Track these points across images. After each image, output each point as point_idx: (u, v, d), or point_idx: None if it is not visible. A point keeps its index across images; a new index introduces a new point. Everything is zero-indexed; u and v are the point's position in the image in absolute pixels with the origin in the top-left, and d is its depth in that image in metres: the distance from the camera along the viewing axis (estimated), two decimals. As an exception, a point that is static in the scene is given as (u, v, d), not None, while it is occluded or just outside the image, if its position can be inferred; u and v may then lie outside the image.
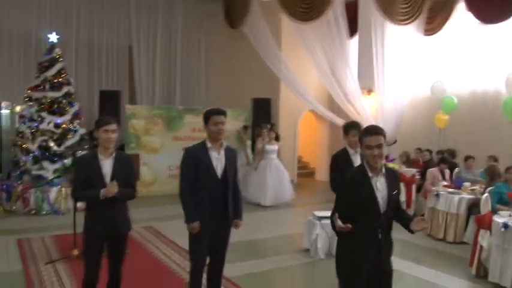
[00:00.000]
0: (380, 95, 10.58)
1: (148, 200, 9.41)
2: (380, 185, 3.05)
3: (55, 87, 8.94)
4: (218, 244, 4.00)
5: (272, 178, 9.75)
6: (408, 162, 9.33)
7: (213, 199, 3.85)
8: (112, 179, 3.63)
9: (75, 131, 9.10)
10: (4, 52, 10.82)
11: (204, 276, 4.00)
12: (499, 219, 5.08)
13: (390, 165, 9.26)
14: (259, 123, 11.28)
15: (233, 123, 11.55)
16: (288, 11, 10.46)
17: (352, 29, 11.34)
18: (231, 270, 5.23)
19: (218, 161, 3.87)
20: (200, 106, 12.12)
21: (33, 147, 8.58)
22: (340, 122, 11.40)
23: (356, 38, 11.55)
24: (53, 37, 9.18)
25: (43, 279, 5.09)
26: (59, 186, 8.49)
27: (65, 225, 6.98)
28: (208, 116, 3.88)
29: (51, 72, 8.96)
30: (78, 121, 9.28)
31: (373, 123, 10.51)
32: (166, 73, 12.84)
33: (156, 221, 7.90)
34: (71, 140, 8.95)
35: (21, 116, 8.96)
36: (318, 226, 6.07)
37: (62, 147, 8.79)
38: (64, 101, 9.04)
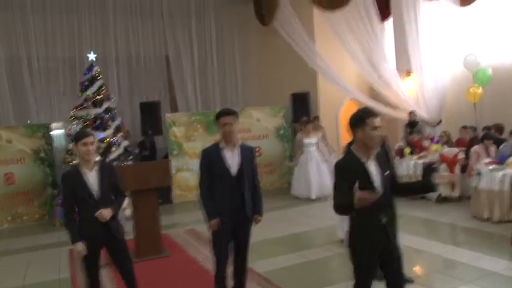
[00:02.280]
0: (419, 75, 10.21)
1: (193, 204, 9.61)
2: (374, 169, 3.03)
3: (96, 104, 9.37)
4: (239, 239, 4.11)
5: (314, 170, 9.72)
6: (449, 142, 8.94)
7: (229, 197, 3.97)
8: (101, 189, 3.80)
9: (119, 144, 9.50)
10: (53, 76, 11.49)
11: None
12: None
13: (434, 146, 8.96)
14: (299, 119, 11.27)
15: (273, 120, 11.61)
16: (314, 0, 10.34)
17: (386, 12, 11.05)
18: (262, 265, 5.31)
19: (232, 159, 3.97)
20: (239, 107, 12.28)
21: (81, 162, 9.05)
22: (380, 108, 11.16)
23: (391, 20, 11.24)
24: (91, 56, 9.64)
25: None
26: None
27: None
28: (217, 118, 4.00)
29: (92, 90, 9.39)
30: (121, 134, 9.69)
31: (414, 106, 10.21)
32: (204, 78, 13.07)
33: (198, 224, 8.08)
34: (116, 153, 9.33)
35: (69, 135, 9.47)
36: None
37: (107, 160, 9.21)
38: (106, 116, 9.46)
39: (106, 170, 3.92)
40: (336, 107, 12.83)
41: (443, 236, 6.44)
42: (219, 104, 12.86)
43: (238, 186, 3.96)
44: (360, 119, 3.06)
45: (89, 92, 9.39)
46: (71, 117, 9.39)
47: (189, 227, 7.88)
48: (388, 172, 3.09)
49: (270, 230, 7.18)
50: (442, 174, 3.14)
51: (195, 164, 10.77)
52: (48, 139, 9.87)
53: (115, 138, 9.48)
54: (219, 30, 13.21)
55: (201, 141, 10.99)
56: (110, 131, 9.43)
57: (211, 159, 3.98)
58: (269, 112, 11.59)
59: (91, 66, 9.59)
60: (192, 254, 6.41)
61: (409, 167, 8.74)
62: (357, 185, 2.81)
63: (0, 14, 10.84)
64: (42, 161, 9.60)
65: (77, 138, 3.83)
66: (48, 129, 9.96)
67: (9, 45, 11.00)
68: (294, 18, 11.32)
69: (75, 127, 9.27)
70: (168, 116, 10.94)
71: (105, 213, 3.76)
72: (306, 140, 9.83)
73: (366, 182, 2.95)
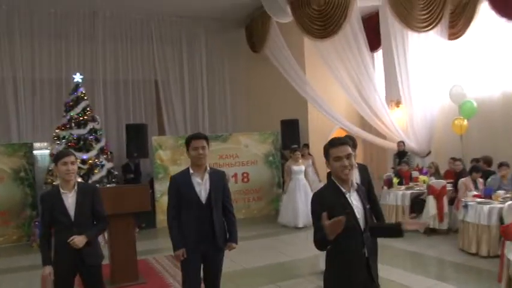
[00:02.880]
0: (408, 106, 10.21)
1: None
2: (355, 200, 2.85)
3: (80, 124, 9.22)
4: (209, 270, 3.92)
5: (302, 198, 9.54)
6: (437, 173, 8.86)
7: (198, 225, 3.79)
8: (78, 212, 3.64)
9: (102, 166, 9.30)
10: (39, 96, 11.36)
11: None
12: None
13: (422, 178, 8.86)
14: (288, 145, 11.18)
15: (262, 147, 11.48)
16: (304, 29, 10.38)
17: (376, 42, 11.13)
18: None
19: (201, 186, 3.81)
20: (227, 132, 12.17)
21: (62, 183, 8.83)
22: (369, 137, 11.11)
23: (381, 51, 11.32)
24: (77, 77, 9.51)
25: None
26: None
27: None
28: (188, 141, 3.88)
29: (76, 111, 9.24)
30: (105, 156, 9.50)
31: (403, 136, 10.16)
32: (194, 103, 13.01)
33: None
34: (98, 175, 9.12)
35: (52, 155, 9.27)
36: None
37: (90, 182, 8.99)
38: (90, 137, 9.29)
39: (86, 193, 3.75)
40: (326, 134, 12.69)
41: (429, 271, 6.25)
42: (207, 129, 12.76)
43: (208, 214, 3.79)
44: (325, 150, 2.91)
45: (73, 112, 9.24)
46: (54, 137, 9.21)
47: (169, 252, 7.60)
48: (368, 206, 2.93)
49: (251, 258, 7.00)
50: (411, 221, 2.99)
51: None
52: (30, 158, 9.62)
53: (98, 160, 9.30)
54: (209, 56, 13.19)
55: (187, 165, 10.81)
56: (93, 152, 9.24)
57: (180, 186, 3.82)
58: (258, 138, 11.47)
59: (76, 87, 9.46)
60: (169, 281, 6.18)
61: (397, 198, 8.60)
62: (324, 214, 2.61)
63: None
64: (21, 181, 9.34)
65: (57, 157, 3.69)
66: (30, 148, 9.73)
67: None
68: (283, 47, 11.38)
69: (58, 147, 9.09)
70: (154, 139, 10.77)
71: (78, 240, 3.57)
72: (295, 167, 9.69)
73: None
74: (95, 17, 11.73)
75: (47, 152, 10.31)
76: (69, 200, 3.64)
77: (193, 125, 12.89)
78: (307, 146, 11.65)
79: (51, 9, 11.17)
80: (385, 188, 9.11)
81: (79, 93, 9.43)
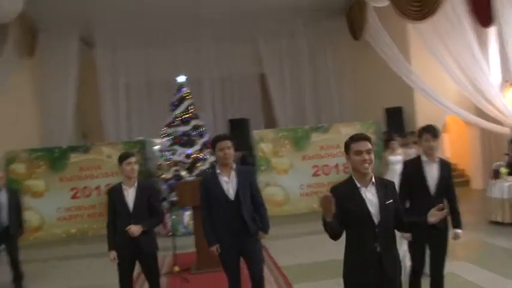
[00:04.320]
0: (524, 86, 9.12)
1: (277, 219, 9.48)
2: (371, 195, 2.89)
3: (184, 122, 10.02)
4: (251, 261, 4.11)
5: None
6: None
7: (229, 221, 3.99)
8: (136, 206, 4.13)
9: (205, 160, 10.00)
10: (151, 97, 12.72)
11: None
12: None
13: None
14: (390, 134, 10.76)
15: (362, 137, 11.20)
16: (401, 11, 9.86)
17: (487, 17, 10.07)
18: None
19: (229, 184, 4.01)
20: (328, 123, 12.10)
21: (169, 176, 9.73)
22: (485, 124, 10.18)
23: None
24: (180, 78, 10.35)
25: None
26: (191, 211, 9.39)
27: (189, 245, 7.55)
28: (214, 143, 4.08)
29: (180, 110, 10.08)
30: (208, 150, 10.18)
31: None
32: (296, 94, 13.18)
33: (268, 240, 8.08)
34: (200, 168, 9.85)
35: (160, 151, 10.24)
36: (404, 243, 5.51)
37: (193, 175, 9.73)
38: (193, 133, 10.04)
39: (144, 190, 4.26)
40: (436, 123, 11.94)
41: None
42: (312, 120, 12.84)
43: (237, 210, 3.98)
44: (346, 145, 2.97)
45: (178, 111, 10.08)
46: (162, 134, 10.15)
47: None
48: (391, 201, 2.92)
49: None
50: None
51: (283, 179, 11.03)
52: (144, 154, 10.73)
53: (201, 154, 10.01)
54: (310, 46, 13.27)
55: (288, 157, 11.10)
56: (196, 147, 9.97)
57: (209, 187, 4.05)
58: (359, 128, 11.20)
59: (180, 87, 10.29)
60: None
61: (503, 190, 7.78)
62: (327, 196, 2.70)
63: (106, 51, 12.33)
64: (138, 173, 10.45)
65: (121, 159, 4.22)
66: (143, 145, 10.84)
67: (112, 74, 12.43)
68: (383, 32, 10.93)
69: (165, 143, 10.01)
70: (256, 133, 11.22)
71: (134, 229, 4.08)
72: (391, 158, 9.30)
73: (361, 210, 2.85)
74: (199, 23, 12.55)
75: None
76: (130, 195, 4.17)
77: (298, 116, 13.09)
78: (413, 133, 11.10)
79: (161, 20, 12.22)
80: (493, 180, 8.30)
81: (183, 93, 10.24)
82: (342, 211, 2.82)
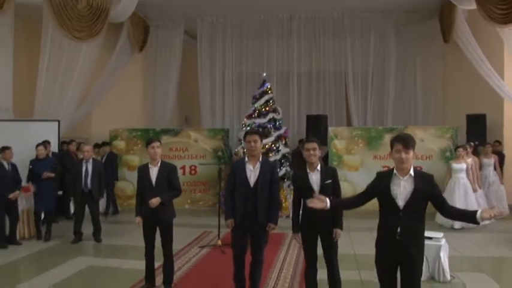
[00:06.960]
0: None
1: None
2: (407, 184, 3.50)
3: (262, 114, 10.94)
4: (253, 242, 4.90)
5: (460, 199, 9.10)
6: None
7: (246, 203, 4.77)
8: (157, 181, 5.12)
9: (278, 151, 10.83)
10: (246, 89, 13.88)
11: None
12: None
13: None
14: (470, 140, 10.61)
15: (437, 141, 11.14)
16: (487, 14, 9.61)
17: None
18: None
19: (252, 172, 4.78)
20: (409, 125, 12.14)
21: (242, 163, 10.76)
22: None
23: None
24: (264, 75, 11.37)
25: (186, 255, 6.96)
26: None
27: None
28: (245, 136, 4.92)
29: (260, 103, 11.02)
30: (282, 142, 11.00)
31: None
32: (379, 95, 13.36)
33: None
34: (272, 158, 10.68)
35: (239, 139, 11.29)
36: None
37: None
38: (269, 125, 10.92)
39: (165, 168, 5.26)
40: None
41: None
42: (391, 121, 12.97)
43: (254, 196, 4.72)
44: (391, 142, 3.66)
45: (257, 104, 11.03)
46: (242, 124, 11.20)
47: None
48: (423, 191, 3.49)
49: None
50: (487, 209, 3.31)
51: (353, 175, 11.45)
52: (226, 141, 11.92)
53: (275, 145, 10.85)
54: (399, 48, 13.28)
55: (360, 155, 11.47)
56: (270, 139, 10.82)
57: (236, 170, 4.86)
58: (434, 132, 11.17)
59: (263, 82, 11.23)
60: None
61: None
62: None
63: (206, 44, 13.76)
64: (218, 159, 11.68)
65: (147, 143, 5.27)
66: (226, 133, 12.02)
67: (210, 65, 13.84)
68: (469, 36, 10.72)
69: (242, 133, 11.02)
70: (331, 130, 11.74)
71: (154, 201, 5.09)
72: (455, 165, 9.31)
73: (388, 198, 3.53)
74: (291, 20, 13.36)
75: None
76: (154, 172, 5.20)
77: (378, 116, 13.31)
78: (498, 142, 10.83)
79: (256, 16, 13.29)
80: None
81: (265, 88, 11.17)
82: (378, 192, 3.61)
